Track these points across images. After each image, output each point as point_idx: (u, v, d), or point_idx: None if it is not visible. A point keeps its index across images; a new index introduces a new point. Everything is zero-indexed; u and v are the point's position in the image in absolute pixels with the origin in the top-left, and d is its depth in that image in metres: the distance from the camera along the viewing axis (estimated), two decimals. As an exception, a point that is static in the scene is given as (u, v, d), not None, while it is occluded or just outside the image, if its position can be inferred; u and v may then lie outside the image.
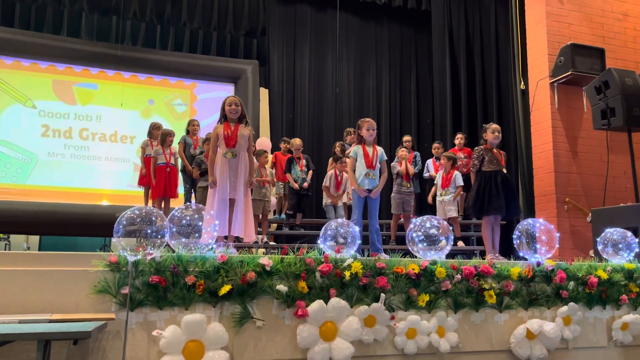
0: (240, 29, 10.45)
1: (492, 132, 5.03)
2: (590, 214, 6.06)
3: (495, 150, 5.02)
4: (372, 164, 4.73)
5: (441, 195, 6.89)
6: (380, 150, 4.86)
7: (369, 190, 4.70)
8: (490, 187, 4.87)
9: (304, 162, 7.34)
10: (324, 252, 3.47)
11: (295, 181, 7.14)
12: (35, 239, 10.12)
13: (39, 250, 9.74)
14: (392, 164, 7.02)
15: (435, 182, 7.17)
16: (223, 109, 4.41)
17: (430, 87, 10.63)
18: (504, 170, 4.97)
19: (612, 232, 4.32)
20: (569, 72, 7.04)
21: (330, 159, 7.38)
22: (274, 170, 7.49)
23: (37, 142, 9.25)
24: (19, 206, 8.64)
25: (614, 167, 7.04)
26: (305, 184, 7.18)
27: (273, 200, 7.52)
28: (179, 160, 7.11)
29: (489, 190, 4.87)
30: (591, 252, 5.52)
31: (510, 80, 9.08)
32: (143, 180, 7.11)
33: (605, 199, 6.58)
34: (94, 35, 9.88)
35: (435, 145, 7.95)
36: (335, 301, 3.25)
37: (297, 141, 7.50)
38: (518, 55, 8.40)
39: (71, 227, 8.92)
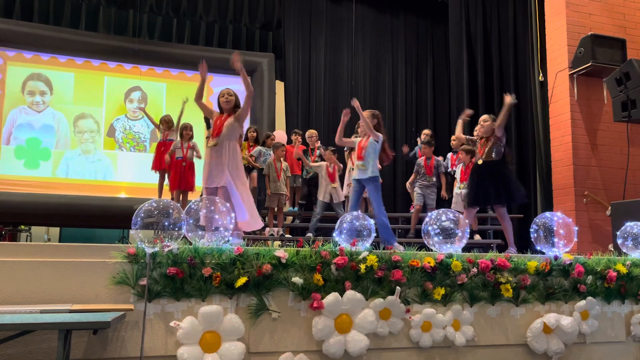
0: (256, 22, 10.46)
1: (479, 122, 5.12)
2: (609, 208, 5.97)
3: (482, 140, 5.06)
4: (360, 156, 5.03)
5: (459, 188, 6.84)
6: (372, 139, 5.05)
7: (357, 181, 4.98)
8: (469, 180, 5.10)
9: (317, 153, 7.32)
10: (339, 245, 3.48)
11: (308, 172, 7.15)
12: (55, 231, 10.30)
13: (59, 241, 9.91)
14: (417, 160, 7.02)
15: (455, 176, 7.09)
16: (218, 101, 4.53)
17: (447, 79, 10.53)
18: (480, 162, 5.00)
19: (632, 226, 4.26)
20: (589, 64, 6.91)
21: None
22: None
23: (57, 135, 9.38)
24: (40, 198, 8.80)
25: (635, 159, 6.92)
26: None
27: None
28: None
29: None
30: (610, 246, 5.45)
31: (529, 72, 8.95)
32: (155, 165, 7.21)
33: (625, 192, 6.48)
34: (111, 29, 9.97)
35: (454, 137, 7.81)
36: (351, 294, 3.26)
37: (309, 132, 7.51)
38: (537, 46, 8.27)
39: (90, 219, 9.06)
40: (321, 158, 7.34)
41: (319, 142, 7.65)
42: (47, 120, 9.37)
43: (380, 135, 5.06)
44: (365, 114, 5.08)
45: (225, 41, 10.54)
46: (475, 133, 5.14)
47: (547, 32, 7.66)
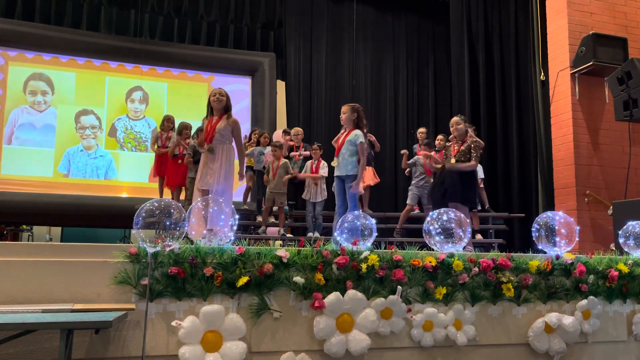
0: (257, 22, 10.47)
1: (452, 124, 5.19)
2: (611, 207, 5.96)
3: (453, 143, 5.16)
4: (338, 152, 4.99)
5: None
6: (352, 134, 4.95)
7: (338, 177, 4.96)
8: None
9: (302, 150, 7.32)
10: (340, 245, 3.48)
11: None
12: (57, 231, 10.30)
13: (61, 241, 9.92)
14: (418, 159, 6.99)
15: None
16: (209, 101, 4.45)
17: (448, 78, 10.52)
18: (452, 161, 5.09)
19: (634, 225, 4.25)
20: (591, 63, 6.90)
21: None
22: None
23: (59, 136, 9.39)
24: (41, 198, 8.81)
25: (636, 159, 6.91)
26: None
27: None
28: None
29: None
30: (612, 246, 5.45)
31: (530, 71, 8.94)
32: (159, 172, 7.19)
33: (627, 191, 6.47)
34: (112, 29, 9.98)
35: (439, 137, 7.09)
36: (352, 293, 3.26)
37: (295, 129, 7.51)
38: (538, 45, 8.27)
39: (92, 218, 9.08)
40: (305, 157, 7.30)
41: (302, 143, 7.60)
42: (48, 120, 9.38)
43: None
44: (345, 108, 5.03)
45: (226, 41, 10.54)
46: (452, 133, 5.22)
47: (549, 31, 7.65)
